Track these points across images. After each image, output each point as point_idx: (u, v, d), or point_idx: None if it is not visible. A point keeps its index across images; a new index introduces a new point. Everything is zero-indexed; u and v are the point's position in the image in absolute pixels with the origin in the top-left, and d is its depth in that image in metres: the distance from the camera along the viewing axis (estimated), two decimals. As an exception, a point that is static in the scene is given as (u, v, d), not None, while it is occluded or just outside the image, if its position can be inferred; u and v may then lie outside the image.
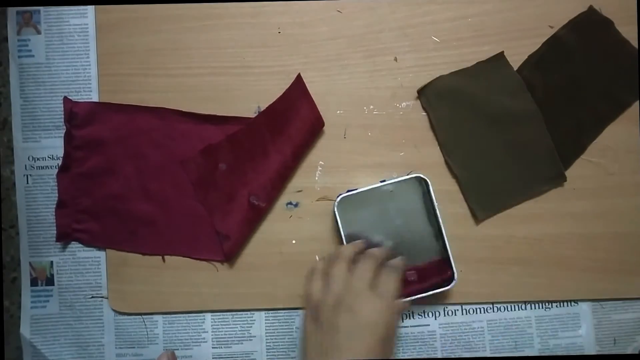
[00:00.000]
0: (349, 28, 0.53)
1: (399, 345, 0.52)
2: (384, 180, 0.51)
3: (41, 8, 0.53)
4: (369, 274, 0.44)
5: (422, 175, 0.50)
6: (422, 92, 0.52)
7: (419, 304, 0.52)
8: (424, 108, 0.52)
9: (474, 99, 0.52)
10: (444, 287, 0.49)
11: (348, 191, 0.50)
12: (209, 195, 0.52)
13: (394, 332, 0.44)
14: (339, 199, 0.50)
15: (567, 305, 0.53)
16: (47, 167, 0.53)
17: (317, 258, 0.52)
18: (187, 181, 0.52)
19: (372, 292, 0.42)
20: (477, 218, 0.52)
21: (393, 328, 0.43)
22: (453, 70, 0.52)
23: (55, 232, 0.53)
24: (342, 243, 0.49)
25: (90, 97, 0.53)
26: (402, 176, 0.51)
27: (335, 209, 0.49)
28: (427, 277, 0.50)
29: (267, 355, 0.52)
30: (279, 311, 0.53)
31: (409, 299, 0.48)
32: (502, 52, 0.52)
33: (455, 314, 0.52)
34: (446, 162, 0.52)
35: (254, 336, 0.53)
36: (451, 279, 0.49)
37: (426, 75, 0.53)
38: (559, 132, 0.52)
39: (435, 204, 0.49)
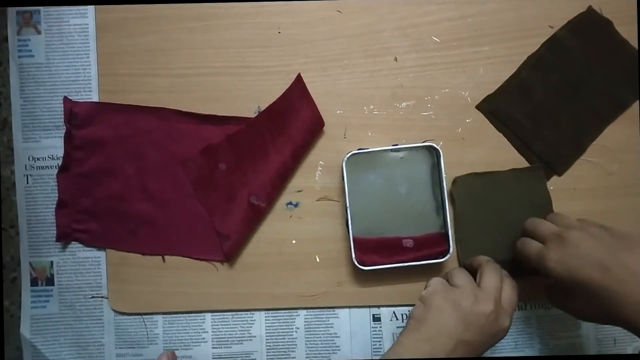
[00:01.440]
0: (349, 28, 0.53)
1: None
2: (397, 145, 0.51)
3: (41, 8, 0.53)
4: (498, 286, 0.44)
5: (434, 145, 0.50)
6: (455, 183, 0.52)
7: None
8: (451, 195, 0.52)
9: (500, 206, 0.52)
10: (439, 259, 0.49)
11: (359, 149, 0.50)
12: (209, 195, 0.52)
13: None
14: (348, 155, 0.50)
15: (567, 305, 0.53)
16: (47, 167, 0.53)
17: (317, 259, 0.52)
18: (187, 181, 0.52)
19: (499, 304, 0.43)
20: None
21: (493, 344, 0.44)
22: (485, 171, 0.52)
23: (55, 232, 0.53)
24: (346, 201, 0.49)
25: (90, 97, 0.53)
26: (415, 143, 0.52)
27: (344, 165, 0.50)
28: (424, 247, 0.50)
29: (267, 355, 0.52)
30: (279, 311, 0.53)
31: (402, 265, 0.49)
32: (540, 166, 0.52)
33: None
34: (457, 252, 0.52)
35: (254, 336, 0.53)
36: (446, 252, 0.49)
37: (426, 75, 0.53)
38: (559, 132, 0.52)
39: (443, 176, 0.50)
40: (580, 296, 0.43)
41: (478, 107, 0.53)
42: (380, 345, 0.52)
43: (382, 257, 0.50)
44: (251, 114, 0.53)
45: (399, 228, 0.51)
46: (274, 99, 0.52)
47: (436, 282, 0.45)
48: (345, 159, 0.50)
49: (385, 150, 0.51)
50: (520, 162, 0.53)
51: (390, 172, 0.51)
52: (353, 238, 0.50)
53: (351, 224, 0.50)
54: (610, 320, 0.41)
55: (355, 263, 0.49)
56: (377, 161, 0.51)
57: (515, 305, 0.44)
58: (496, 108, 0.53)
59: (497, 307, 0.42)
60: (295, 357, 0.52)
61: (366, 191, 0.51)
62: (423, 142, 0.51)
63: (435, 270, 0.51)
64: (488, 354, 0.52)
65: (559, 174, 0.53)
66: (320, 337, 0.52)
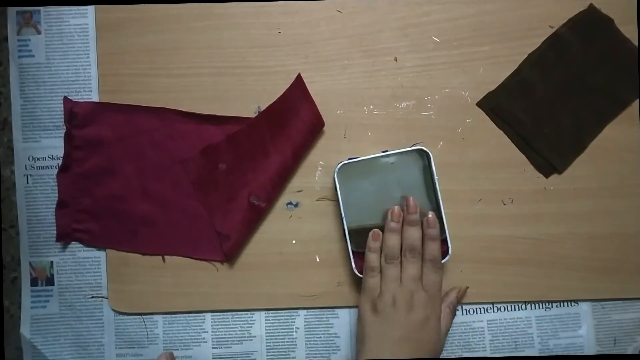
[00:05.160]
0: (349, 28, 0.53)
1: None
2: (386, 151, 0.51)
3: (41, 8, 0.53)
4: (417, 273, 0.47)
5: (424, 148, 0.50)
6: None
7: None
8: None
9: None
10: None
11: (349, 159, 0.50)
12: (209, 195, 0.52)
13: (446, 325, 0.49)
14: (339, 165, 0.50)
15: (567, 305, 0.53)
16: (47, 167, 0.53)
17: (317, 259, 0.52)
18: (187, 181, 0.52)
19: (423, 290, 0.46)
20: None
21: (442, 323, 0.48)
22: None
23: (55, 232, 0.53)
24: (341, 212, 0.49)
25: (90, 97, 0.53)
26: (404, 147, 0.51)
27: (335, 176, 0.50)
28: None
29: (267, 355, 0.52)
30: (279, 311, 0.53)
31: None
32: None
33: (455, 314, 0.52)
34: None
35: (254, 336, 0.53)
36: (445, 253, 0.49)
37: (426, 75, 0.53)
38: (560, 129, 0.52)
39: (436, 178, 0.49)
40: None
41: (479, 104, 0.53)
42: (380, 345, 0.52)
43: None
44: (251, 114, 0.53)
45: None
46: (274, 99, 0.52)
47: (364, 302, 0.48)
48: (337, 170, 0.50)
49: (375, 157, 0.50)
50: (521, 161, 0.53)
51: (382, 178, 0.51)
52: (352, 250, 0.50)
53: (349, 237, 0.50)
54: None
55: (356, 272, 0.49)
56: (368, 169, 0.51)
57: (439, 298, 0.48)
58: (497, 105, 0.53)
59: (430, 313, 0.46)
60: (295, 357, 0.52)
61: (360, 200, 0.50)
62: (412, 146, 0.51)
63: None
64: (488, 354, 0.52)
65: (560, 172, 0.53)
66: (320, 337, 0.52)
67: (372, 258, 0.48)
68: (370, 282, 0.48)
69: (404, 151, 0.50)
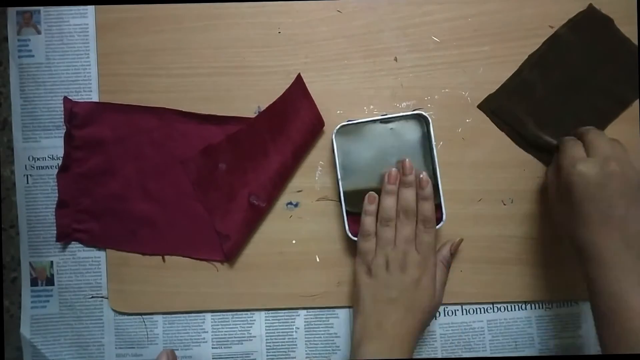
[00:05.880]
0: (349, 28, 0.53)
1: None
2: (386, 114, 0.51)
3: (41, 8, 0.53)
4: (410, 234, 0.48)
5: (424, 113, 0.50)
6: None
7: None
8: None
9: None
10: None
11: (348, 121, 0.50)
12: (209, 195, 0.52)
13: (441, 280, 0.49)
14: (338, 127, 0.50)
15: (567, 305, 0.53)
16: (47, 167, 0.53)
17: (317, 259, 0.52)
18: (187, 181, 0.52)
19: (416, 251, 0.48)
20: None
21: (437, 278, 0.49)
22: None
23: (55, 232, 0.53)
24: (337, 174, 0.50)
25: (90, 97, 0.53)
26: (404, 111, 0.52)
27: (334, 138, 0.50)
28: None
29: (267, 355, 0.52)
30: (279, 311, 0.53)
31: None
32: None
33: (455, 314, 0.53)
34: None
35: (254, 336, 0.53)
36: (440, 219, 0.50)
37: (426, 75, 0.53)
38: (561, 130, 0.52)
39: (434, 143, 0.50)
40: (572, 210, 0.44)
41: (479, 106, 0.53)
42: (380, 345, 0.52)
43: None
44: (251, 114, 0.53)
45: None
46: (274, 99, 0.52)
47: (359, 265, 0.49)
48: (335, 131, 0.50)
49: (374, 120, 0.51)
50: (521, 161, 0.53)
51: (381, 143, 0.51)
52: (346, 211, 0.50)
53: (344, 198, 0.50)
54: (571, 237, 0.44)
55: (350, 235, 0.50)
56: (367, 133, 0.51)
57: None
58: (498, 107, 0.53)
59: (422, 272, 0.47)
60: (295, 357, 0.52)
61: (357, 163, 0.51)
62: (412, 111, 0.51)
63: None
64: (488, 354, 0.52)
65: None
66: (320, 337, 0.53)
67: (368, 221, 0.49)
68: (365, 245, 0.49)
69: (404, 115, 0.51)
